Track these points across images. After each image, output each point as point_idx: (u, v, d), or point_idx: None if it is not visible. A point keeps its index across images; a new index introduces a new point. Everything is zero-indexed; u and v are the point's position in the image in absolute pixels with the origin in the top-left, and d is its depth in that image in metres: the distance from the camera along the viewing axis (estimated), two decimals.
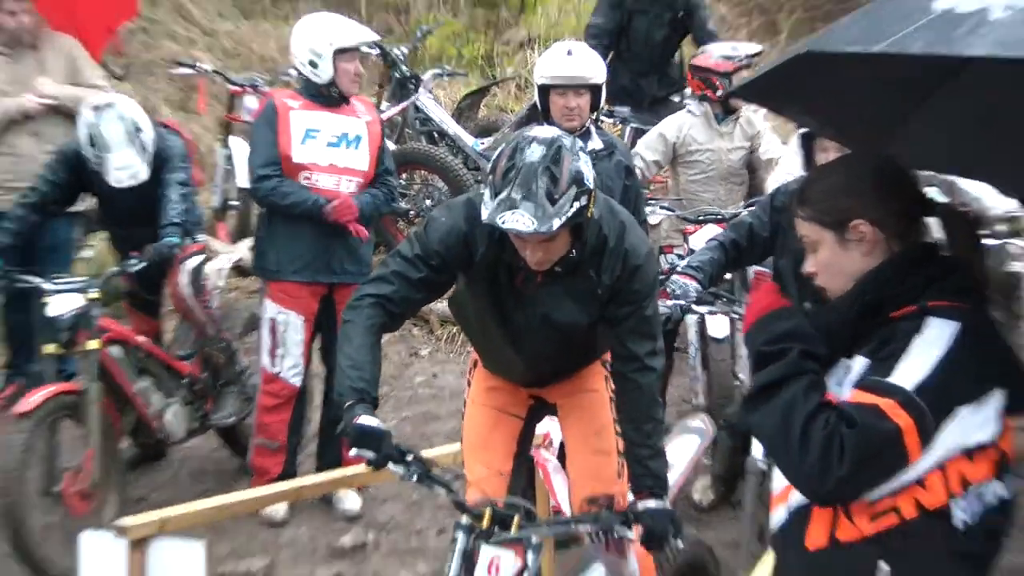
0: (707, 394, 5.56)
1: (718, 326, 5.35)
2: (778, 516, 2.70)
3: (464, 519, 3.36)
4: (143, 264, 5.14)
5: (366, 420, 3.12)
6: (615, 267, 3.38)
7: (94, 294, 5.13)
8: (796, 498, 2.58)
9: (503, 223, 3.05)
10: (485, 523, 3.26)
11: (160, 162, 5.23)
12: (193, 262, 5.60)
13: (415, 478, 3.21)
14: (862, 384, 2.46)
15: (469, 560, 3.34)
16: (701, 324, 5.44)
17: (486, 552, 3.30)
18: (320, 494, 5.45)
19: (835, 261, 2.58)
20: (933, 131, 2.76)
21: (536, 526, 3.34)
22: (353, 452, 3.11)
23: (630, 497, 3.55)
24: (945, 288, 2.50)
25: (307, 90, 5.18)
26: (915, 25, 2.16)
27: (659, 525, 3.29)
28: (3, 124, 5.77)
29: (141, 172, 5.08)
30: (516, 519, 3.27)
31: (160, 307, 5.88)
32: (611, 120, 7.07)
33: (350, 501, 5.52)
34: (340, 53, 5.08)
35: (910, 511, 2.36)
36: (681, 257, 5.38)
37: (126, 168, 5.10)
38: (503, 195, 3.05)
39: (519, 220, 3.02)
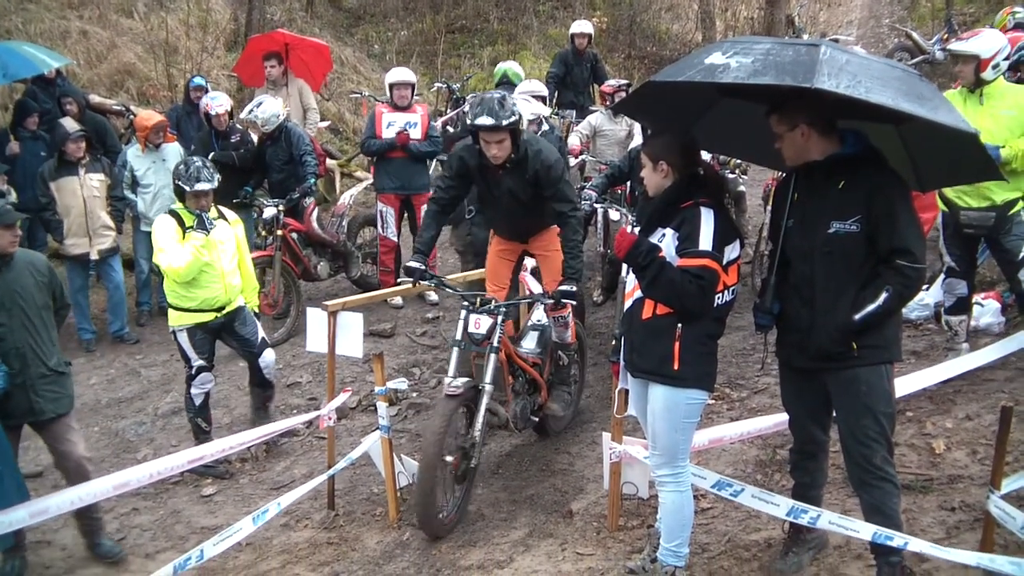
0: (604, 245, 8.77)
1: (613, 213, 8.44)
2: (628, 304, 4.42)
3: (465, 303, 5.57)
4: (299, 195, 8.90)
5: (412, 263, 5.62)
6: (535, 167, 5.57)
7: (281, 207, 8.85)
8: (636, 294, 4.26)
9: (479, 121, 5.30)
10: (478, 303, 5.50)
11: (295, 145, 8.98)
12: (314, 214, 9.35)
13: (435, 286, 5.88)
14: (688, 253, 4.06)
15: (467, 322, 5.45)
16: (604, 213, 8.55)
17: (473, 317, 5.44)
18: (416, 293, 8.42)
19: (653, 178, 4.27)
20: (703, 129, 4.40)
21: (500, 303, 5.59)
22: (401, 277, 6.06)
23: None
24: (705, 193, 4.19)
25: (391, 103, 9.19)
26: (695, 69, 3.70)
27: (562, 296, 5.54)
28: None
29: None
30: (492, 302, 5.55)
31: (301, 216, 9.19)
32: (561, 117, 11.23)
33: (432, 296, 9.30)
34: (394, 86, 9.16)
35: None
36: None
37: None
38: (477, 111, 5.35)
39: (485, 120, 5.31)
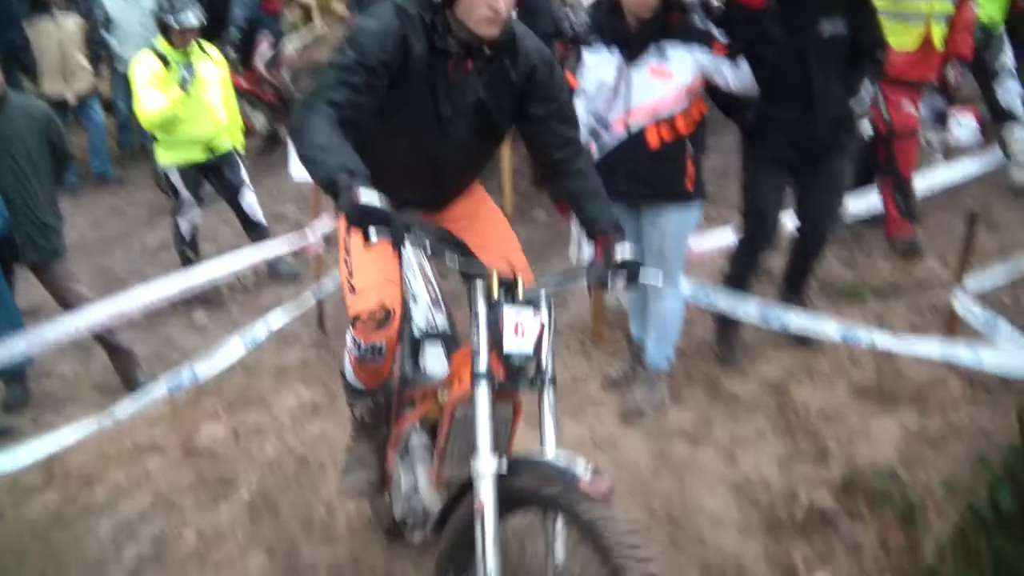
0: None
1: None
2: (618, 134, 4.29)
3: (479, 283, 2.83)
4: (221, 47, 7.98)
5: (368, 198, 2.54)
6: (528, 62, 3.10)
7: None
8: (633, 124, 4.23)
9: None
10: (495, 292, 2.82)
11: None
12: (263, 52, 9.19)
13: (429, 250, 2.84)
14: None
15: (493, 326, 2.77)
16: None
17: (509, 315, 2.78)
18: None
19: None
20: None
21: (542, 285, 2.91)
22: (372, 235, 2.53)
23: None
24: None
25: None
26: None
27: (635, 268, 3.05)
28: None
29: None
30: (520, 282, 2.86)
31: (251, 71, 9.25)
32: None
33: None
34: None
35: (697, 116, 4.29)
36: None
37: None
38: None
39: None
